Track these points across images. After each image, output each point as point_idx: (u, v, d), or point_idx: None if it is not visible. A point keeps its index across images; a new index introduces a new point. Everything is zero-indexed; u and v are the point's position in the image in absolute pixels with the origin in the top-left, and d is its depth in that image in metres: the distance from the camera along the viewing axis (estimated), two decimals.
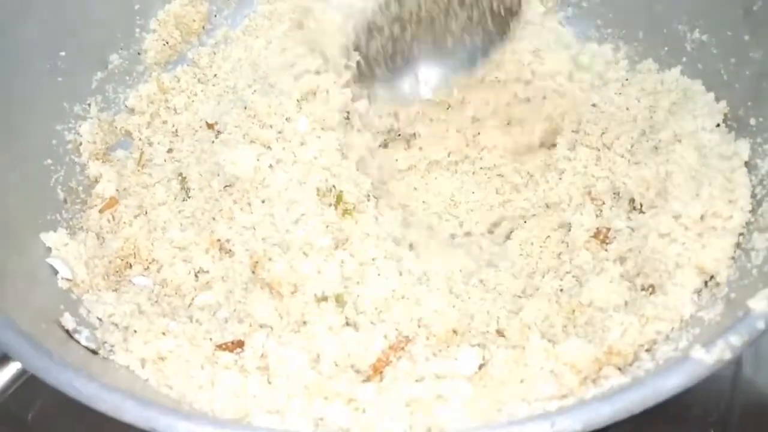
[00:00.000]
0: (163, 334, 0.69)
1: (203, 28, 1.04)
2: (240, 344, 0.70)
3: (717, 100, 0.85)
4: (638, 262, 0.78)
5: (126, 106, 0.97)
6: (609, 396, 0.55)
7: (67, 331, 0.69)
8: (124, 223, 0.83)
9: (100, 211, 0.83)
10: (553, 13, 1.01)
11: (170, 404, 0.62)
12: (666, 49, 0.93)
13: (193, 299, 0.78)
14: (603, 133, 0.89)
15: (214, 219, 0.83)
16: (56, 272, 0.77)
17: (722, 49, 0.86)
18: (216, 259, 0.81)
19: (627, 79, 0.95)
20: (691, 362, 0.56)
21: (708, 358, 0.56)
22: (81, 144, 0.91)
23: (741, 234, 0.73)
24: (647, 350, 0.68)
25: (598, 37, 1.00)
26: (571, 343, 0.67)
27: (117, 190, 0.87)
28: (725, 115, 0.84)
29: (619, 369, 0.66)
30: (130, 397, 0.54)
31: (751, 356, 0.82)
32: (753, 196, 0.75)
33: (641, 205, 0.83)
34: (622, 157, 0.87)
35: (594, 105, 0.92)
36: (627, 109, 0.90)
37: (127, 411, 0.54)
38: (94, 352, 0.68)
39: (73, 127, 0.91)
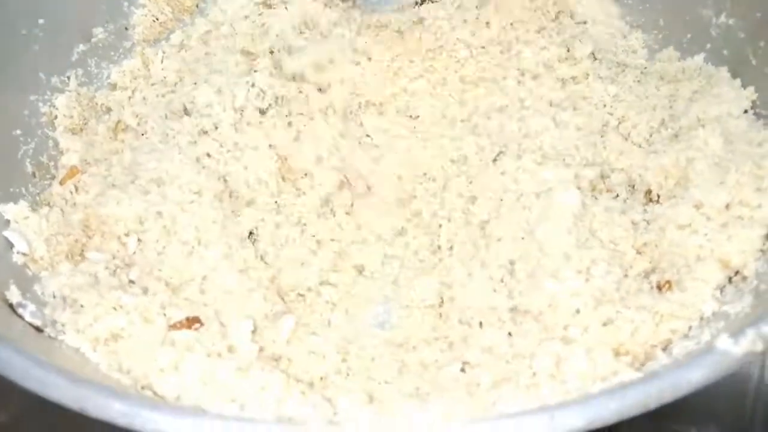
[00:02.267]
0: (114, 309, 0.62)
1: (197, 6, 0.99)
2: (196, 320, 0.62)
3: (744, 86, 0.78)
4: (654, 257, 0.70)
5: (109, 83, 0.91)
6: (618, 389, 0.47)
7: (11, 306, 0.62)
8: (85, 192, 0.77)
9: (61, 183, 0.77)
10: None
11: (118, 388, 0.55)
12: (689, 36, 0.86)
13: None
14: (620, 123, 0.82)
15: None
16: (12, 246, 0.70)
17: (750, 33, 0.80)
18: None
19: (646, 67, 0.88)
20: (715, 353, 0.48)
21: (736, 349, 0.48)
22: (56, 117, 0.85)
23: None
24: (663, 350, 0.61)
25: None
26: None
27: (87, 161, 0.81)
28: (753, 102, 0.77)
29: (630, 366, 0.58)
30: (59, 373, 0.47)
31: None
32: None
33: (659, 197, 0.75)
34: (640, 147, 0.80)
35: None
36: (646, 97, 0.83)
37: (55, 388, 0.46)
38: (39, 330, 0.61)
39: (49, 99, 0.85)
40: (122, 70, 0.91)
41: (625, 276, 0.69)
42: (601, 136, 0.82)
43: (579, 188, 0.75)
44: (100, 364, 0.61)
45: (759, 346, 0.48)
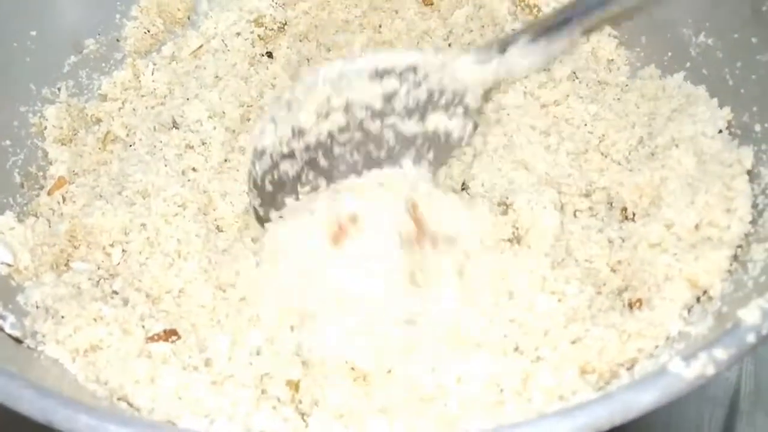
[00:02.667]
0: (95, 320, 0.64)
1: (188, 18, 1.00)
2: (173, 332, 0.64)
3: (720, 105, 0.79)
4: (627, 275, 0.71)
5: (99, 94, 0.93)
6: (571, 410, 0.48)
7: None
8: (72, 202, 0.78)
9: (49, 193, 0.78)
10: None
11: (93, 401, 0.56)
12: (669, 54, 0.87)
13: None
14: (600, 141, 0.83)
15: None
16: None
17: (728, 53, 0.80)
18: None
19: (627, 85, 0.89)
20: (667, 376, 0.49)
21: (687, 372, 0.49)
22: (46, 128, 0.86)
23: (739, 246, 0.67)
24: (628, 369, 0.62)
25: None
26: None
27: (75, 172, 0.82)
28: (729, 122, 0.78)
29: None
30: (27, 385, 0.48)
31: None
32: (754, 206, 0.69)
33: (634, 215, 0.76)
34: (619, 164, 0.81)
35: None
36: (626, 115, 0.84)
37: (23, 401, 0.47)
38: (19, 341, 0.63)
39: (39, 110, 0.87)
40: (113, 81, 0.92)
41: (598, 293, 0.70)
42: (584, 154, 0.83)
43: (561, 207, 0.76)
44: (77, 375, 0.62)
45: (710, 370, 0.49)
